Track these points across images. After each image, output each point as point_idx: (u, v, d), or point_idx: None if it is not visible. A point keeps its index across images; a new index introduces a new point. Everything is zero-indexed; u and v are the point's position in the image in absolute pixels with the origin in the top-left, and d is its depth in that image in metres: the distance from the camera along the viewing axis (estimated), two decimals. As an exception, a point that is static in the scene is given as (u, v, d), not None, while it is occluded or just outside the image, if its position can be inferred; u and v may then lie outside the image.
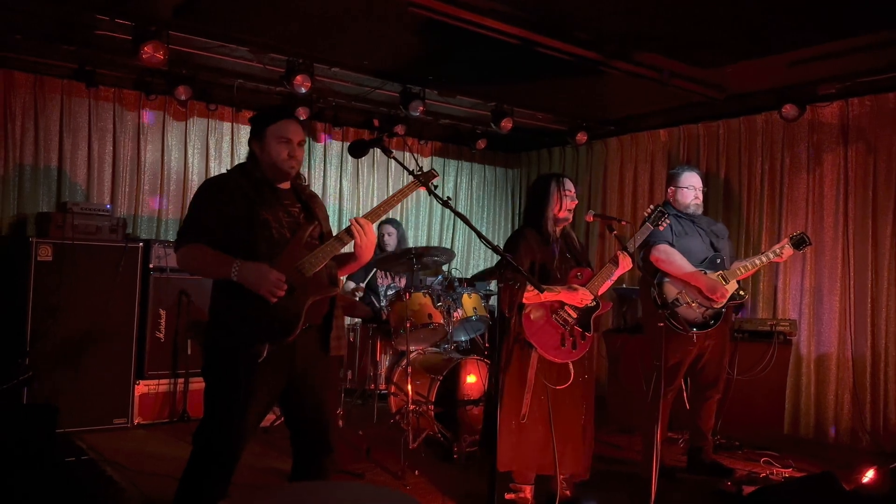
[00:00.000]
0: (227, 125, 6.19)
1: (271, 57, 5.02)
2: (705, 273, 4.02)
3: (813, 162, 5.57)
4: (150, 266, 5.09)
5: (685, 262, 4.05)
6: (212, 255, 2.47)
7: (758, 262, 4.10)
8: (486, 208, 7.73)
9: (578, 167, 7.34)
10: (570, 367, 3.30)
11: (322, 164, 6.61)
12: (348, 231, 2.58)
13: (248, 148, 2.70)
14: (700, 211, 4.29)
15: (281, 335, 2.45)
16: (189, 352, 5.17)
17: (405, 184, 2.75)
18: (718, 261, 4.11)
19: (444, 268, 5.46)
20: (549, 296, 3.20)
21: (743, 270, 4.08)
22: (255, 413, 2.57)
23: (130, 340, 4.96)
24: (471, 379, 4.78)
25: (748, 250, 5.79)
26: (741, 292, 4.10)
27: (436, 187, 2.70)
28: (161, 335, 5.12)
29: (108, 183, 5.66)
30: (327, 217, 2.77)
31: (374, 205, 6.75)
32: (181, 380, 5.15)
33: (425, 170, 2.69)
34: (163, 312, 5.14)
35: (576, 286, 3.30)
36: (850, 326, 5.27)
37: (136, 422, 4.98)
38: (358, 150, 2.64)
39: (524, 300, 3.20)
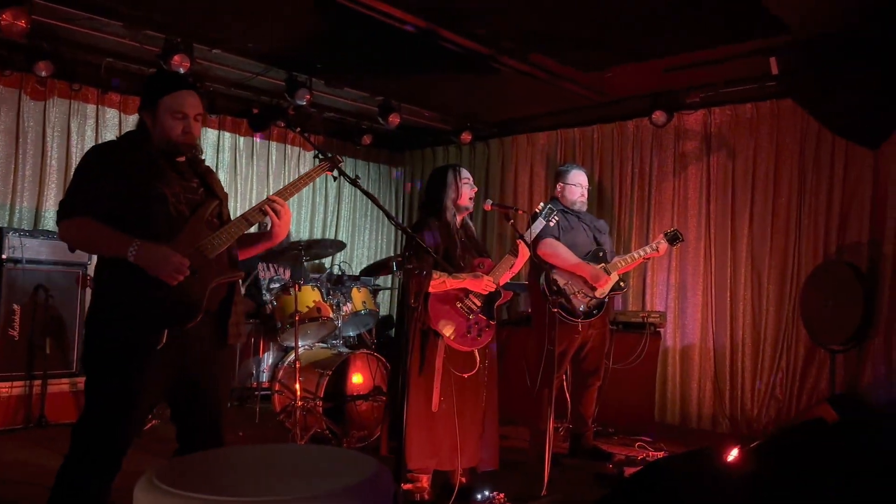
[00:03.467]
0: (91, 107, 5.73)
1: (147, 34, 4.73)
2: (589, 264, 4.23)
3: (678, 167, 6.00)
4: (3, 257, 4.62)
5: (570, 254, 4.24)
6: (104, 231, 2.27)
7: (637, 256, 4.36)
8: (370, 206, 7.66)
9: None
10: (476, 354, 3.34)
11: (197, 154, 6.28)
12: (260, 210, 2.46)
13: (138, 118, 2.50)
14: (585, 208, 4.50)
15: (181, 320, 2.30)
16: (48, 351, 4.73)
17: (302, 173, 2.68)
18: (601, 254, 4.33)
19: (333, 259, 5.36)
20: (454, 283, 3.23)
21: (623, 264, 4.33)
22: (144, 408, 2.41)
23: (-22, 339, 4.47)
24: (359, 375, 4.72)
25: (619, 248, 6.12)
26: (621, 283, 4.34)
27: (337, 177, 2.65)
28: (15, 333, 4.66)
29: (-49, 164, 5.08)
30: (227, 195, 2.64)
31: (255, 199, 6.60)
32: (38, 382, 4.69)
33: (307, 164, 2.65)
34: (17, 308, 4.68)
35: (480, 274, 3.35)
36: (711, 319, 5.71)
37: (-16, 429, 4.49)
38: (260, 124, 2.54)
39: (429, 288, 3.20)
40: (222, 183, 6.52)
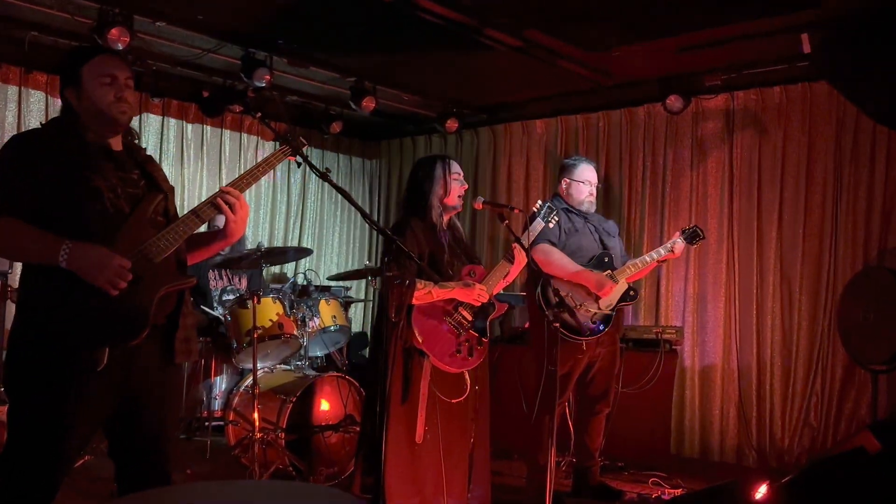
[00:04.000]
0: (12, 89, 5.69)
1: (78, 4, 4.70)
2: (591, 271, 4.23)
3: (696, 159, 6.03)
4: None
5: (568, 260, 4.23)
6: (31, 233, 2.25)
7: (649, 259, 4.37)
8: (339, 203, 7.66)
9: (447, 159, 7.50)
10: (466, 376, 3.34)
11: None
12: (212, 204, 2.44)
13: (62, 103, 2.49)
14: (593, 209, 4.51)
15: (124, 337, 2.28)
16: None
17: (255, 163, 2.67)
18: (606, 259, 4.34)
19: (297, 267, 5.36)
20: (442, 293, 3.22)
21: (633, 269, 4.33)
22: (79, 441, 2.40)
23: None
24: (327, 402, 4.70)
25: (629, 254, 6.13)
26: (631, 292, 4.34)
27: (301, 162, 2.64)
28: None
29: None
30: (173, 188, 2.62)
31: (204, 196, 6.56)
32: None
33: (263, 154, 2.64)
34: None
35: (471, 282, 3.35)
36: (735, 335, 5.73)
37: None
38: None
39: (413, 300, 3.20)
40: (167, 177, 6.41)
